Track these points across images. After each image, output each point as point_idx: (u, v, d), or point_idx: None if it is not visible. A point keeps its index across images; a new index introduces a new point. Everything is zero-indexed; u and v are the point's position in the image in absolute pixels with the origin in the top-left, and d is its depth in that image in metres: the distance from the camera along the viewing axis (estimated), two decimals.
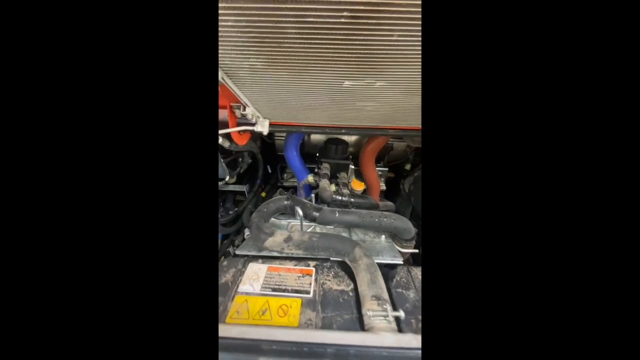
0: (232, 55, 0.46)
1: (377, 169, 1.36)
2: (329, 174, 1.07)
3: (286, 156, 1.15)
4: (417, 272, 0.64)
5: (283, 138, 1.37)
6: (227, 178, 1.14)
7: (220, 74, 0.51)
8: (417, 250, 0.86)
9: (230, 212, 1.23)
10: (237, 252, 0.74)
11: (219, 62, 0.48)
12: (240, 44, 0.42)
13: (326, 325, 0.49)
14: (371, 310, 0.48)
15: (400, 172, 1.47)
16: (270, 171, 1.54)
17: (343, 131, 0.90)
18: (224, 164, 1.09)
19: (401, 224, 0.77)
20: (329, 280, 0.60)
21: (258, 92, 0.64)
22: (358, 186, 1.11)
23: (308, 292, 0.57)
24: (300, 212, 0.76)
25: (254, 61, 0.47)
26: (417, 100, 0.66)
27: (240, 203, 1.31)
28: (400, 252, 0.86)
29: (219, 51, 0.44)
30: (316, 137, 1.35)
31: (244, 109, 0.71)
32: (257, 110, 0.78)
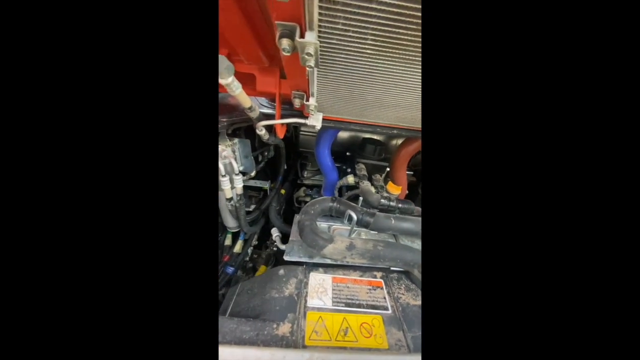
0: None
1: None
2: (367, 175, 1.02)
3: (318, 153, 1.08)
4: None
5: (309, 133, 1.30)
6: (253, 173, 1.05)
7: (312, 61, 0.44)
8: None
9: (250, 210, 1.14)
10: (287, 258, 0.67)
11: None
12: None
13: (419, 347, 0.44)
14: None
15: (420, 177, 1.45)
16: (285, 167, 1.46)
17: (395, 131, 0.84)
18: (252, 157, 1.01)
19: None
20: (403, 294, 0.55)
21: (329, 81, 0.57)
22: (395, 190, 1.07)
23: (386, 308, 0.52)
24: (355, 217, 0.70)
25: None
26: None
27: (252, 199, 1.22)
28: None
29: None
30: (343, 136, 1.29)
31: (307, 99, 0.63)
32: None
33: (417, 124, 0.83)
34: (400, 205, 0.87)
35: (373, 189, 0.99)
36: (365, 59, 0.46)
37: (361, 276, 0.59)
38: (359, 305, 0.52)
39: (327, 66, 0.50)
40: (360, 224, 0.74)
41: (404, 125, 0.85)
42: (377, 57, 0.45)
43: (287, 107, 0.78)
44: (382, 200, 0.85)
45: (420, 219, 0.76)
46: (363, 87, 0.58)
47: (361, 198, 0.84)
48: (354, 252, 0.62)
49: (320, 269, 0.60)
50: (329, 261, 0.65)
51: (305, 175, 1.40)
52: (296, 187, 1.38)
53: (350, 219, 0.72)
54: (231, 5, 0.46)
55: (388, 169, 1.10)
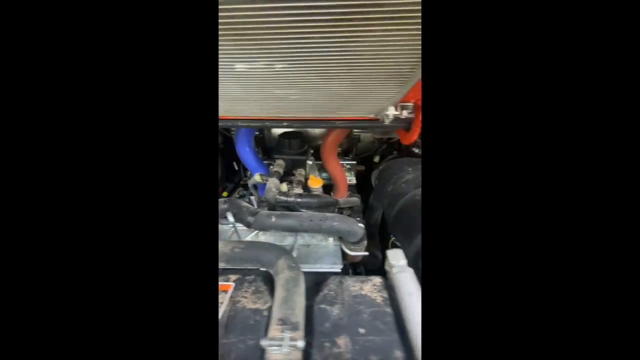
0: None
1: (346, 162, 1.28)
2: (281, 171, 0.99)
3: (238, 153, 1.07)
4: (350, 282, 0.57)
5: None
6: None
7: None
8: (366, 253, 0.80)
9: None
10: None
11: None
12: None
13: (222, 356, 0.43)
14: (270, 339, 0.41)
15: (370, 165, 1.39)
16: (237, 168, 1.46)
17: (285, 124, 0.81)
18: None
19: (344, 226, 0.70)
20: (246, 298, 0.54)
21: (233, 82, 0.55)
22: (315, 183, 1.03)
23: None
24: (231, 218, 0.69)
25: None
26: (351, 90, 0.57)
27: None
28: (348, 255, 0.80)
29: None
30: (278, 131, 1.26)
31: None
32: None
33: (328, 114, 0.80)
34: (300, 200, 0.84)
35: (284, 186, 0.96)
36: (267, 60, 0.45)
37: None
38: None
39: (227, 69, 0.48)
40: (243, 224, 0.73)
41: (315, 117, 0.82)
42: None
43: None
44: (279, 197, 0.83)
45: (305, 213, 0.73)
46: (269, 86, 0.56)
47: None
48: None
49: None
50: None
51: (247, 175, 1.40)
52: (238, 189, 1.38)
53: (229, 220, 0.71)
54: None
55: (309, 162, 1.07)
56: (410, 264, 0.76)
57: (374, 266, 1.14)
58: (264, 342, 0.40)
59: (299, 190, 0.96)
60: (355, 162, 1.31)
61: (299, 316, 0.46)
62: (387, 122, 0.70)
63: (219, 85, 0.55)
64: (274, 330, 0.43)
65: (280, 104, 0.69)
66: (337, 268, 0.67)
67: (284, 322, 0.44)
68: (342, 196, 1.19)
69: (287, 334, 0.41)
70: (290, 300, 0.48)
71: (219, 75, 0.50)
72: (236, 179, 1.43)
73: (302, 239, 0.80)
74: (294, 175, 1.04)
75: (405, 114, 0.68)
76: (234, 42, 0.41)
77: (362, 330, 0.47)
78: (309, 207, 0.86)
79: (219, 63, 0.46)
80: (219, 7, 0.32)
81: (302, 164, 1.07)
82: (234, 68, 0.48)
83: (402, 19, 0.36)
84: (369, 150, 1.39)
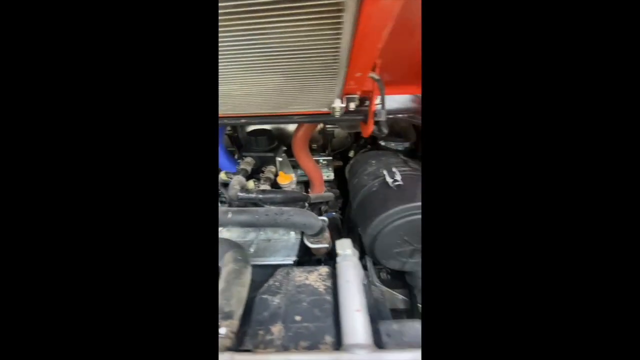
0: None
1: (322, 158, 1.29)
2: (248, 169, 1.00)
3: None
4: (297, 273, 0.59)
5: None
6: None
7: None
8: (327, 245, 0.81)
9: None
10: None
11: None
12: None
13: None
14: None
15: (347, 160, 1.40)
16: None
17: (243, 121, 0.82)
18: None
19: (300, 219, 0.71)
20: None
21: None
22: (284, 180, 1.04)
23: None
24: None
25: None
26: (291, 84, 0.58)
27: None
28: (312, 248, 0.81)
29: None
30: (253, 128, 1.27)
31: None
32: None
33: (282, 109, 0.80)
34: (262, 196, 0.85)
35: (251, 184, 0.97)
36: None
37: None
38: None
39: None
40: None
41: (273, 113, 0.83)
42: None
43: None
44: (240, 194, 0.84)
45: (262, 208, 0.74)
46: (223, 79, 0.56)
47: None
48: None
49: None
50: None
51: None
52: None
53: None
54: None
55: (279, 159, 1.08)
56: (367, 251, 0.77)
57: None
58: None
59: (266, 186, 0.97)
60: (331, 157, 1.32)
61: (234, 306, 0.47)
62: (337, 114, 0.71)
63: None
64: None
65: (232, 101, 0.70)
66: (290, 260, 0.68)
67: (219, 311, 0.45)
68: (319, 192, 1.20)
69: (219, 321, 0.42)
70: (227, 291, 0.49)
71: None
72: None
73: (265, 234, 0.82)
74: (262, 172, 1.05)
75: (352, 106, 0.69)
76: None
77: (298, 318, 0.49)
78: (272, 202, 0.87)
79: None
80: None
81: (272, 161, 1.08)
82: None
83: (319, 13, 0.37)
84: (344, 145, 1.40)
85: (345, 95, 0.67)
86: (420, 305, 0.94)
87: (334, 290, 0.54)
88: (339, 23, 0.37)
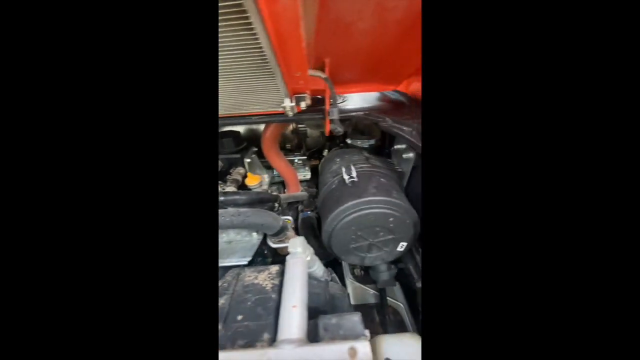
0: None
1: (297, 158, 1.29)
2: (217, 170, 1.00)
3: None
4: (247, 273, 0.59)
5: None
6: None
7: None
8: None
9: None
10: None
11: None
12: None
13: None
14: None
15: (321, 159, 1.41)
16: None
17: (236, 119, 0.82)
18: None
19: (257, 219, 0.71)
20: None
21: None
22: (252, 181, 1.05)
23: None
24: None
25: None
26: (238, 85, 0.59)
27: None
28: (277, 248, 0.81)
29: None
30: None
31: None
32: None
33: (239, 109, 0.80)
34: (223, 198, 0.85)
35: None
36: None
37: None
38: None
39: None
40: None
41: (230, 114, 0.83)
42: None
43: None
44: None
45: (221, 210, 0.74)
46: None
47: None
48: None
49: None
50: None
51: None
52: None
53: None
54: None
55: (248, 160, 1.08)
56: (327, 248, 0.77)
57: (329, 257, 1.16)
58: None
59: (232, 188, 0.97)
60: (306, 157, 1.32)
61: None
62: (291, 113, 0.72)
63: None
64: None
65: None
66: (245, 261, 0.68)
67: None
68: (295, 191, 1.21)
69: None
70: None
71: None
72: None
73: (227, 235, 0.82)
74: (230, 174, 1.05)
75: (303, 105, 0.70)
76: None
77: (239, 317, 0.49)
78: (235, 204, 0.87)
79: None
80: None
81: (240, 163, 1.08)
82: None
83: (228, 15, 0.38)
84: (318, 144, 1.40)
85: (294, 94, 0.67)
86: (389, 299, 0.95)
87: (280, 288, 0.54)
88: (249, 24, 0.37)
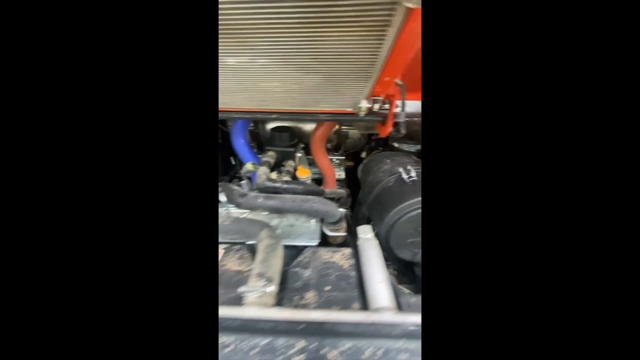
0: None
1: (335, 157, 1.36)
2: (271, 162, 1.08)
3: (234, 145, 1.16)
4: (323, 252, 0.66)
5: None
6: None
7: None
8: (344, 234, 0.87)
9: None
10: None
11: None
12: None
13: None
14: (247, 286, 0.49)
15: (358, 161, 1.47)
16: (234, 162, 1.54)
17: (274, 116, 0.90)
18: None
19: (323, 207, 0.78)
20: (232, 262, 0.62)
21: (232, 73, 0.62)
22: (302, 174, 1.12)
23: None
24: (223, 199, 0.77)
25: None
26: (325, 84, 0.66)
27: None
28: (329, 236, 0.88)
29: None
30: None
31: None
32: None
33: (311, 107, 0.88)
34: (286, 186, 0.93)
35: (274, 175, 1.05)
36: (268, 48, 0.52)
37: None
38: None
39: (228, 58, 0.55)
40: (234, 204, 0.81)
41: (301, 110, 0.90)
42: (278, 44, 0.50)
43: None
44: (267, 183, 0.91)
45: (289, 196, 0.81)
46: (264, 75, 0.64)
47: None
48: None
49: None
50: None
51: (243, 169, 1.48)
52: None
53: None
54: None
55: (299, 155, 1.15)
56: (382, 240, 0.84)
57: None
58: (240, 289, 0.48)
59: (287, 179, 1.04)
60: (344, 157, 1.39)
61: (274, 273, 0.54)
62: (362, 114, 0.79)
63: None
64: (252, 281, 0.51)
65: (267, 96, 0.78)
66: (314, 243, 0.75)
67: (260, 275, 0.52)
68: (332, 189, 1.28)
69: (261, 283, 0.49)
70: (267, 261, 0.56)
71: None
72: (232, 172, 1.51)
73: (287, 220, 0.89)
74: (283, 165, 1.12)
75: (376, 107, 0.77)
76: (222, 39, 0.49)
77: (327, 288, 0.55)
78: (294, 192, 0.94)
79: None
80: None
81: (292, 156, 1.15)
82: (225, 62, 0.57)
83: (356, 22, 0.44)
84: (357, 146, 1.47)
85: (371, 97, 0.74)
86: None
87: (358, 267, 0.61)
88: (383, 36, 0.44)
